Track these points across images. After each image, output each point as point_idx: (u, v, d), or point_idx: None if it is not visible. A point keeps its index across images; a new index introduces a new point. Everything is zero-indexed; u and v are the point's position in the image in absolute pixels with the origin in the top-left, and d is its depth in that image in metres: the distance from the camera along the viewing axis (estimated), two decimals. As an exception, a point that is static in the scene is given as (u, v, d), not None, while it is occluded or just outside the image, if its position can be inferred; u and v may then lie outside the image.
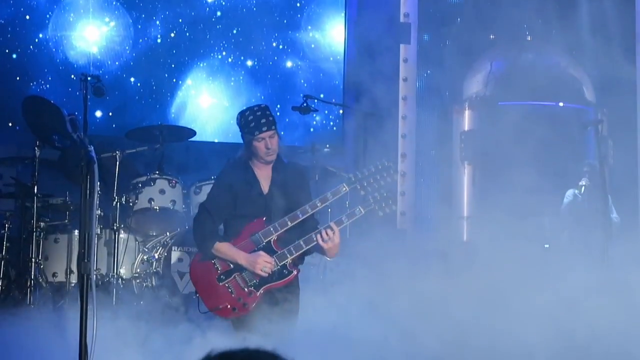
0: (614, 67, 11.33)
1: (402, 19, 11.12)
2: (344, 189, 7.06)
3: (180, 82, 12.01)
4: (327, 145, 10.36)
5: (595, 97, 11.34)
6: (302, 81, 12.22)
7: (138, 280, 9.20)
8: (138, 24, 11.95)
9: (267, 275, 6.83)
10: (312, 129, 12.04)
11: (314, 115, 11.33)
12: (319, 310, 7.54)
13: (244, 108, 7.19)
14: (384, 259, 8.25)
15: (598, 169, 9.00)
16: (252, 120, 6.93)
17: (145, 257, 9.28)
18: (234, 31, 12.21)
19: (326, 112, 12.17)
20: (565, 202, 10.49)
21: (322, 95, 11.46)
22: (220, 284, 6.84)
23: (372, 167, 7.18)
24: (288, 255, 6.87)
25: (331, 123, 12.33)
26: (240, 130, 7.07)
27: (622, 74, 11.27)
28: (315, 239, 6.86)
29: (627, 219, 10.46)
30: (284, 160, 7.21)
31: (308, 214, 6.95)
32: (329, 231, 6.86)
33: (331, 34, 12.46)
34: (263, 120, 6.93)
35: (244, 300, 6.84)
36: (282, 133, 7.32)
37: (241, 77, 12.13)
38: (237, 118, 7.11)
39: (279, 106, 11.36)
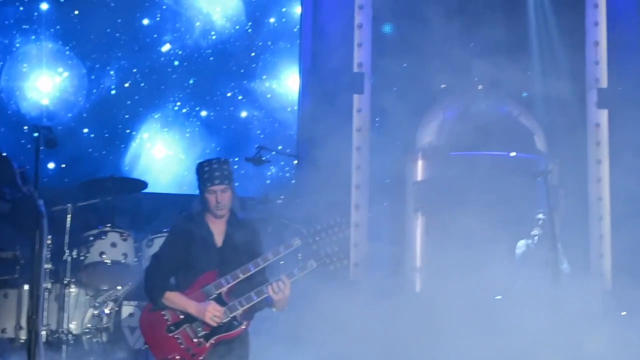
0: (565, 115, 11.44)
1: (355, 69, 11.16)
2: (297, 242, 7.19)
3: (134, 133, 12.01)
4: (281, 197, 10.36)
5: (546, 146, 11.42)
6: (258, 132, 12.24)
7: (88, 336, 9.14)
8: (92, 74, 11.95)
9: (216, 325, 6.89)
10: (268, 181, 12.03)
11: (270, 166, 11.37)
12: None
13: (204, 160, 7.31)
14: (337, 311, 8.27)
15: (548, 219, 9.06)
16: (206, 172, 7.08)
17: (95, 312, 9.23)
18: (190, 81, 12.23)
19: (282, 163, 12.19)
20: (518, 253, 10.53)
21: (280, 147, 11.47)
22: (170, 334, 6.91)
23: (324, 222, 7.30)
24: (239, 307, 6.96)
25: (287, 174, 12.34)
26: (197, 181, 7.18)
27: (574, 122, 11.38)
28: (266, 290, 6.94)
29: (578, 269, 10.53)
30: (238, 217, 7.31)
31: (260, 267, 7.04)
32: (280, 283, 6.97)
33: (287, 84, 12.51)
34: (217, 174, 7.05)
35: (193, 351, 6.90)
36: (237, 184, 7.40)
37: (197, 129, 12.13)
38: (195, 168, 7.20)
39: (236, 158, 11.33)
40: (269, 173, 12.09)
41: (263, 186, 11.62)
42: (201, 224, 7.17)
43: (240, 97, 12.36)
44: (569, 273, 10.27)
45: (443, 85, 11.58)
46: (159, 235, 9.23)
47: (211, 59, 12.29)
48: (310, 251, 7.32)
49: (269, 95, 12.47)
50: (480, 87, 11.66)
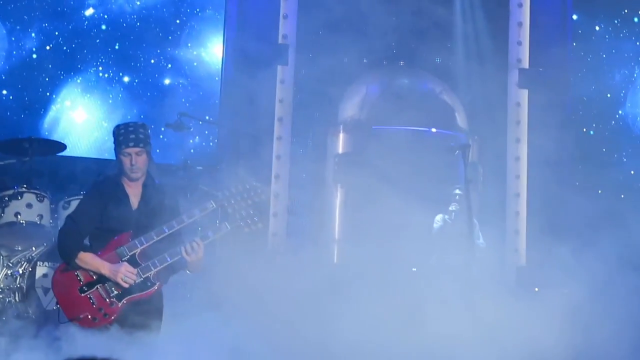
0: (486, 94, 11.56)
1: (280, 40, 11.16)
2: (212, 205, 7.21)
3: (54, 96, 11.84)
4: (201, 165, 10.34)
5: (467, 124, 11.54)
6: (183, 100, 12.15)
7: (1, 296, 9.04)
8: (12, 35, 11.75)
9: (128, 286, 6.88)
10: (192, 150, 11.96)
11: (195, 136, 11.32)
12: (184, 328, 7.55)
13: (121, 122, 7.29)
14: (254, 279, 8.28)
15: (464, 194, 9.15)
16: (122, 135, 7.08)
17: (9, 272, 9.12)
18: (116, 46, 12.09)
19: (206, 132, 12.12)
20: (435, 227, 10.63)
21: (208, 117, 11.39)
22: (82, 294, 6.93)
23: (240, 186, 7.31)
24: (152, 268, 6.97)
25: (211, 143, 12.28)
26: (113, 144, 7.16)
27: (494, 101, 11.51)
28: (179, 252, 6.93)
29: (493, 245, 10.67)
30: (155, 181, 7.29)
31: (174, 229, 7.04)
32: (194, 244, 6.99)
33: (213, 52, 12.42)
34: (132, 137, 7.04)
35: (105, 310, 6.89)
36: (158, 151, 7.38)
37: (120, 95, 12.01)
38: (112, 131, 7.19)
39: (163, 128, 11.21)
40: (191, 141, 12.00)
41: (187, 155, 11.53)
42: (117, 186, 7.17)
43: (164, 64, 12.22)
44: (484, 248, 10.41)
45: (365, 60, 11.63)
46: (75, 197, 9.12)
47: (138, 24, 12.15)
48: (226, 215, 7.35)
49: (195, 64, 12.36)
50: (401, 63, 11.73)
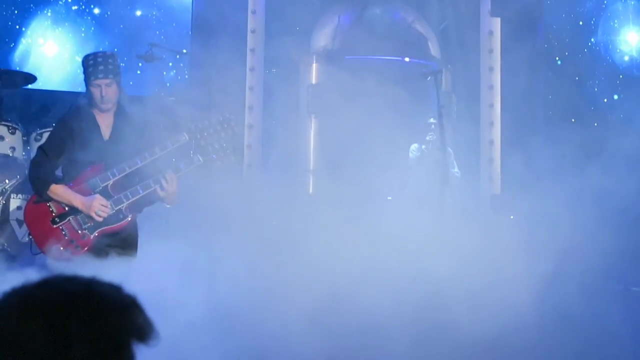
0: (459, 24, 11.51)
1: (251, -30, 11.05)
2: (184, 137, 7.15)
3: (23, 29, 11.70)
4: (173, 96, 10.25)
5: (439, 52, 11.51)
6: (157, 32, 12.04)
7: (-25, 229, 8.98)
8: (-21, -32, 11.61)
9: (101, 219, 6.84)
10: (168, 84, 11.88)
11: (172, 70, 11.24)
12: (159, 260, 7.54)
13: (90, 53, 7.20)
14: (228, 210, 8.27)
15: (438, 120, 9.13)
16: (91, 65, 6.99)
17: (-18, 205, 9.06)
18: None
19: (181, 65, 12.03)
20: (411, 157, 10.64)
21: (184, 51, 11.26)
22: (55, 226, 6.87)
23: (213, 118, 7.26)
24: (124, 200, 6.92)
25: (186, 76, 12.19)
26: (83, 75, 7.08)
27: (467, 31, 11.47)
28: (152, 184, 6.89)
29: (468, 176, 10.71)
30: (127, 111, 7.21)
31: (147, 161, 6.98)
32: (167, 177, 6.89)
33: (185, -17, 12.30)
34: (101, 67, 6.96)
35: (77, 242, 6.85)
36: (131, 83, 7.32)
37: (92, 28, 11.88)
38: (81, 61, 7.11)
39: (126, 58, 11.12)
40: (165, 74, 11.91)
41: (163, 88, 11.45)
42: (88, 117, 7.08)
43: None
44: (459, 177, 10.44)
45: None
46: (48, 129, 9.00)
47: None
48: (199, 147, 7.29)
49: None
50: None
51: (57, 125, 7.32)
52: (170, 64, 10.51)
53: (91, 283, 2.28)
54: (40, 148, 7.21)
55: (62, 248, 6.84)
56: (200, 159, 7.14)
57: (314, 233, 8.42)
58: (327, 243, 8.26)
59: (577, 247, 8.53)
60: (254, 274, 7.82)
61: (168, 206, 7.53)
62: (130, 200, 6.95)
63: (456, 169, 10.48)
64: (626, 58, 13.49)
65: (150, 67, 10.25)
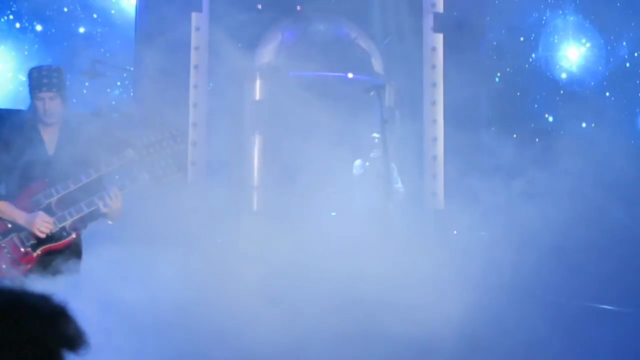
0: (402, 41, 11.60)
1: (195, -14, 11.06)
2: (130, 153, 7.05)
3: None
4: (117, 112, 10.22)
5: (383, 69, 11.58)
6: (102, 49, 11.97)
7: None
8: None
9: (45, 236, 6.75)
10: (113, 102, 11.82)
11: (120, 88, 11.19)
12: (101, 276, 7.48)
13: (35, 65, 7.09)
14: (170, 229, 8.25)
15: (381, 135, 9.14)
16: (35, 78, 6.86)
17: None
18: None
19: (126, 82, 11.99)
20: (354, 173, 10.69)
21: (129, 68, 11.23)
22: None
23: (159, 134, 7.18)
24: (68, 217, 6.77)
25: (131, 93, 12.14)
26: (28, 87, 6.98)
27: (410, 47, 11.55)
28: (96, 201, 6.82)
29: (411, 191, 10.77)
30: (72, 127, 7.11)
31: (92, 178, 6.88)
32: (111, 194, 6.80)
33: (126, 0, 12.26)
34: (45, 81, 6.84)
35: (20, 260, 6.71)
36: (74, 100, 7.24)
37: (36, 46, 11.79)
38: (27, 74, 7.03)
39: (69, 76, 11.02)
40: (108, 91, 11.84)
41: (108, 105, 11.39)
42: (32, 131, 6.91)
43: (79, 12, 12.01)
44: (403, 192, 10.50)
45: (259, 6, 11.56)
46: (-11, 147, 8.94)
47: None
48: (145, 163, 7.24)
49: (112, 11, 12.17)
50: (298, 7, 11.70)
51: (0, 139, 7.17)
52: (118, 83, 10.46)
53: (20, 293, 2.27)
54: (-18, 164, 7.09)
55: (4, 266, 6.73)
56: (146, 176, 7.05)
57: (259, 249, 8.42)
58: (271, 259, 8.27)
59: (520, 259, 8.63)
60: (196, 288, 7.79)
61: (110, 222, 7.44)
62: (74, 218, 6.84)
63: (400, 185, 10.54)
64: (563, 75, 13.66)
65: (94, 84, 10.23)
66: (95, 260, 7.26)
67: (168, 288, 7.43)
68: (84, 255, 7.14)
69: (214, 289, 7.69)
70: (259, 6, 11.52)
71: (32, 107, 6.92)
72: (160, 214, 8.27)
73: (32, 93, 6.87)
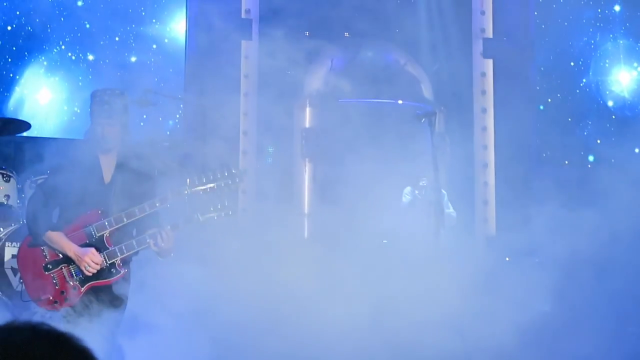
0: (451, 66, 11.57)
1: (243, 15, 11.11)
2: (186, 190, 6.77)
3: (17, 77, 11.70)
4: (167, 141, 10.27)
5: (432, 94, 11.55)
6: (156, 79, 12.00)
7: (-31, 278, 8.90)
8: (-27, 17, 11.64)
9: (90, 274, 6.59)
10: (168, 132, 11.86)
11: (175, 117, 11.26)
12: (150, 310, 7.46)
13: (99, 88, 6.83)
14: (223, 259, 8.21)
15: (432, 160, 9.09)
16: (97, 102, 6.68)
17: (-23, 254, 8.98)
18: (81, 25, 11.94)
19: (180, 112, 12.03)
20: (404, 201, 10.64)
21: (179, 96, 11.24)
22: (47, 273, 6.55)
23: (217, 172, 6.84)
24: (118, 254, 6.56)
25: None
26: (89, 109, 6.84)
27: (460, 73, 11.52)
28: (147, 239, 6.58)
29: (464, 217, 10.70)
30: (132, 155, 6.90)
31: (145, 213, 6.68)
32: (163, 234, 6.57)
33: (177, 28, 12.31)
34: (106, 107, 6.65)
35: (67, 294, 6.53)
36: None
37: (90, 76, 11.85)
38: (90, 96, 6.82)
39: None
40: (161, 119, 11.87)
41: (160, 135, 11.40)
42: (90, 157, 6.71)
43: (129, 41, 12.08)
44: (455, 217, 10.43)
45: (307, 33, 11.56)
46: (42, 177, 8.96)
47: (101, 5, 12.01)
48: (200, 202, 6.99)
49: (166, 40, 12.24)
50: (346, 34, 11.70)
51: (59, 164, 6.97)
52: (177, 116, 10.49)
53: (42, 332, 2.24)
54: (39, 187, 6.94)
55: (51, 298, 6.57)
56: (200, 217, 6.81)
57: (310, 276, 8.38)
58: (324, 286, 8.23)
59: (576, 287, 8.54)
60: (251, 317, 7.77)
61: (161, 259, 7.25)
62: (124, 255, 6.65)
63: (451, 209, 10.47)
64: (614, 100, 13.54)
65: (150, 114, 10.23)
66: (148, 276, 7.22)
67: (220, 312, 7.42)
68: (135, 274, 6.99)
69: (268, 315, 7.66)
70: (307, 33, 11.53)
71: (90, 130, 6.80)
72: (212, 240, 8.24)
73: (92, 116, 6.74)
